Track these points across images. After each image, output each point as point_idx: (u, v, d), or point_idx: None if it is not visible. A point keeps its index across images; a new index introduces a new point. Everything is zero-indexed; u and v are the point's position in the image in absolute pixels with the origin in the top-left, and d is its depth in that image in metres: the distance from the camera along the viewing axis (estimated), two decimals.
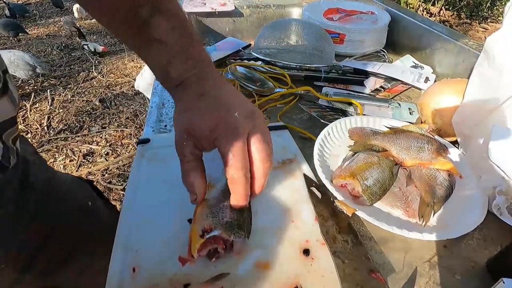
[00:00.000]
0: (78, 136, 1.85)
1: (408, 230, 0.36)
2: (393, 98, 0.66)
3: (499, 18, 3.11)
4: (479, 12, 3.11)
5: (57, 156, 1.72)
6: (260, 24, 0.94)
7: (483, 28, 3.06)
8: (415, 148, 0.46)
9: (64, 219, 0.46)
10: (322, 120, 0.56)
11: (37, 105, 2.10)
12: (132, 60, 2.64)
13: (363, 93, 0.66)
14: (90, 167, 1.65)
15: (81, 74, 2.45)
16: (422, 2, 3.09)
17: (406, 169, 0.45)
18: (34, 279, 0.42)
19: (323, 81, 0.68)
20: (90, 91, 2.25)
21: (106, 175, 1.61)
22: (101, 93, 2.22)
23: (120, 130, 1.89)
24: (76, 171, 1.62)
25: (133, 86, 2.23)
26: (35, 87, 2.25)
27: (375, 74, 0.69)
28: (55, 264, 0.46)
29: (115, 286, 0.30)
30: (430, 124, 0.51)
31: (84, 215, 0.50)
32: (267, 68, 0.69)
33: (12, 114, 0.35)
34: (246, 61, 0.72)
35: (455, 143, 0.51)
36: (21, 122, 1.94)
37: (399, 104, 0.62)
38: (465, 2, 3.11)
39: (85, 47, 2.66)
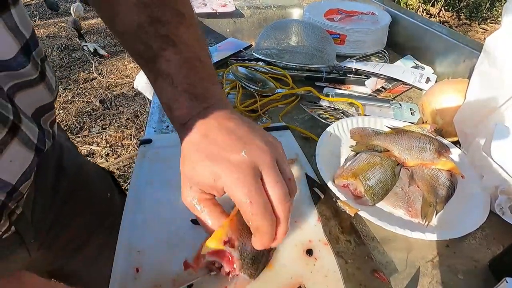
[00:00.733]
0: (79, 137, 1.85)
1: (410, 230, 0.36)
2: (394, 98, 0.66)
3: (498, 19, 3.12)
4: (479, 13, 3.12)
5: None
6: (261, 25, 0.94)
7: (483, 29, 3.07)
8: (417, 148, 0.46)
9: (86, 207, 0.48)
10: (323, 121, 0.56)
11: None
12: (132, 61, 2.64)
13: (364, 93, 0.66)
14: None
15: (81, 75, 2.45)
16: (422, 3, 3.10)
17: (408, 169, 0.45)
18: (48, 260, 0.44)
19: (324, 82, 0.68)
20: (91, 92, 2.25)
21: None
22: (101, 94, 2.22)
23: (121, 131, 1.89)
24: None
25: (133, 87, 2.23)
26: None
27: (376, 75, 0.69)
28: (70, 251, 0.47)
29: (118, 286, 0.30)
30: (432, 124, 0.51)
31: (102, 206, 0.51)
32: (268, 68, 0.69)
33: (49, 100, 0.36)
34: (247, 61, 0.72)
35: (456, 143, 0.51)
36: None
37: (400, 105, 0.62)
38: (464, 3, 3.12)
39: (85, 48, 2.66)
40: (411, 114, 0.60)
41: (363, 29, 0.79)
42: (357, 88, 0.68)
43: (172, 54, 0.30)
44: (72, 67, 2.58)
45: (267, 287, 0.31)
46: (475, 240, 0.38)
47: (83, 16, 3.34)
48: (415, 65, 0.75)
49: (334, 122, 0.52)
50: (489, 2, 3.09)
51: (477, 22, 3.15)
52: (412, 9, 2.99)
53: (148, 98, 2.04)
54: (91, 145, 1.81)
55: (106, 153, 1.74)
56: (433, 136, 0.49)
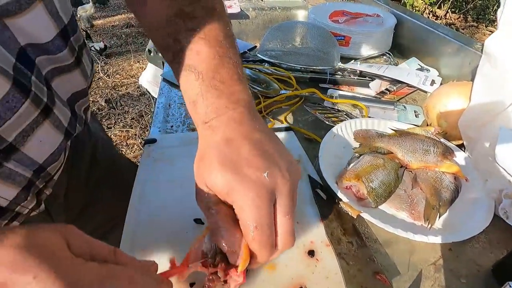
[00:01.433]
0: None
1: (413, 232, 0.36)
2: (399, 100, 0.66)
3: None
4: (486, 15, 3.08)
5: None
6: (265, 26, 0.94)
7: (490, 31, 3.04)
8: (421, 151, 0.45)
9: (113, 197, 0.48)
10: (327, 122, 0.57)
11: None
12: (138, 61, 2.66)
13: (368, 95, 0.66)
14: None
15: None
16: (428, 4, 3.08)
17: (411, 171, 0.45)
18: None
19: (328, 83, 0.68)
20: (96, 91, 2.28)
21: None
22: (107, 94, 2.24)
23: (126, 131, 1.90)
24: None
25: (138, 87, 2.25)
26: None
27: (381, 77, 0.69)
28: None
29: None
30: (436, 126, 0.51)
31: (128, 198, 0.53)
32: (272, 70, 0.69)
33: (83, 86, 0.37)
34: (251, 63, 0.72)
35: (461, 146, 0.51)
36: None
37: (405, 107, 0.62)
38: (471, 5, 3.09)
39: (92, 48, 2.69)
40: (416, 116, 0.60)
41: (368, 31, 0.79)
42: (361, 90, 0.68)
43: (201, 48, 0.29)
44: None
45: (269, 287, 0.31)
46: (478, 244, 0.38)
47: (92, 16, 3.37)
48: (420, 67, 0.75)
49: (338, 123, 0.52)
50: (496, 4, 3.06)
51: (484, 24, 3.12)
52: (418, 11, 2.97)
53: (153, 98, 2.06)
54: None
55: None
56: (437, 139, 0.48)
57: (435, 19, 3.02)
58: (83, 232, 0.20)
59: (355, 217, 0.38)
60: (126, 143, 1.82)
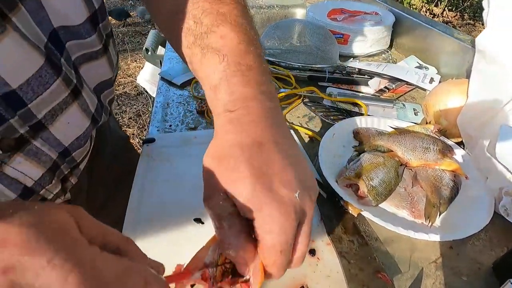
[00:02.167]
0: None
1: (414, 230, 0.36)
2: (398, 98, 0.66)
3: None
4: (483, 13, 3.09)
5: None
6: (263, 24, 0.94)
7: None
8: (421, 149, 0.45)
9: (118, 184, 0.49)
10: (326, 120, 0.56)
11: None
12: (135, 61, 2.65)
13: (367, 93, 0.66)
14: None
15: None
16: (425, 3, 3.08)
17: (411, 169, 0.45)
18: None
19: (327, 82, 0.68)
20: None
21: None
22: None
23: (123, 130, 1.90)
24: None
25: (135, 86, 2.24)
26: None
27: (380, 75, 0.69)
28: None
29: None
30: (436, 124, 0.51)
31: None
32: (271, 68, 0.69)
33: (109, 76, 0.38)
34: None
35: (460, 143, 0.51)
36: None
37: (404, 105, 0.62)
38: (468, 3, 3.10)
39: None
40: (415, 114, 0.60)
41: (366, 29, 0.79)
42: (360, 88, 0.68)
43: (228, 31, 0.27)
44: None
45: (270, 287, 0.30)
46: (479, 242, 0.38)
47: None
48: (419, 65, 0.75)
49: (337, 122, 0.52)
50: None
51: (481, 22, 3.13)
52: (416, 9, 2.97)
53: (150, 97, 2.05)
54: None
55: None
56: (437, 137, 0.48)
57: (432, 17, 3.03)
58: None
59: (356, 216, 0.38)
60: None
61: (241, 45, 0.27)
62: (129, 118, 2.01)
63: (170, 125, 0.54)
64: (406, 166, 0.45)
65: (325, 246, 0.34)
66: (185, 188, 0.40)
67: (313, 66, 0.71)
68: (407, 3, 2.92)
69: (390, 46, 0.85)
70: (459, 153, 0.48)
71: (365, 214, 0.38)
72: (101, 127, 0.39)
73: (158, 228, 0.35)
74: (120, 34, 3.02)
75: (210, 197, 0.24)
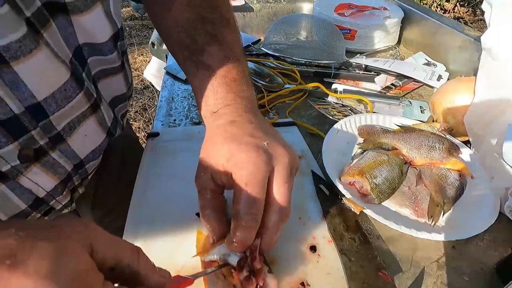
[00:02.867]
0: None
1: (416, 229, 0.36)
2: (404, 96, 0.65)
3: None
4: (484, 15, 3.01)
5: None
6: (270, 19, 0.93)
7: None
8: (426, 147, 0.45)
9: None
10: (331, 117, 0.56)
11: None
12: (142, 54, 2.65)
13: (373, 90, 0.65)
14: None
15: None
16: None
17: (416, 168, 0.45)
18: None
19: (332, 78, 0.67)
20: None
21: None
22: None
23: (131, 125, 1.91)
24: None
25: (142, 80, 2.25)
26: None
27: (386, 71, 0.68)
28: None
29: None
30: (442, 123, 0.50)
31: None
32: (276, 63, 0.69)
33: (124, 91, 0.40)
34: (255, 56, 0.72)
35: (467, 142, 0.50)
36: None
37: (410, 102, 0.61)
38: None
39: None
40: (421, 112, 0.59)
41: (374, 24, 0.77)
42: (366, 84, 0.67)
43: (216, 50, 0.33)
44: None
45: None
46: (482, 242, 0.38)
47: None
48: (427, 62, 0.74)
49: (342, 119, 0.52)
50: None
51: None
52: (426, 4, 2.91)
53: (156, 91, 2.05)
54: None
55: None
56: (443, 135, 0.48)
57: (443, 13, 2.96)
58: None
59: (358, 213, 0.38)
60: None
61: (228, 62, 0.32)
62: (135, 112, 2.02)
63: (175, 120, 0.54)
64: (410, 164, 0.45)
65: (326, 243, 0.34)
66: (188, 182, 0.40)
67: (319, 62, 0.70)
68: None
69: (398, 42, 0.83)
70: (465, 152, 0.47)
71: (368, 212, 0.38)
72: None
73: (161, 221, 0.36)
74: (127, 28, 3.03)
75: (198, 177, 0.29)
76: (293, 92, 0.62)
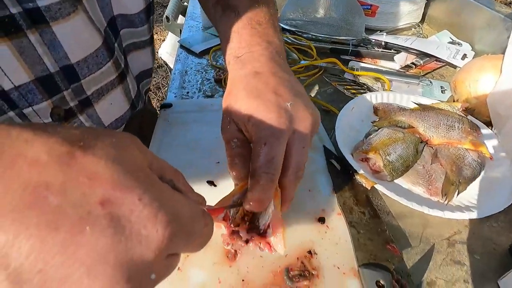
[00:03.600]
0: None
1: (429, 207, 0.35)
2: (425, 75, 0.62)
3: None
4: None
5: None
6: None
7: None
8: (445, 126, 0.43)
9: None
10: (346, 93, 0.54)
11: None
12: (156, 33, 2.64)
13: (392, 69, 0.63)
14: None
15: None
16: None
17: (432, 147, 0.43)
18: None
19: (350, 55, 0.65)
20: None
21: None
22: None
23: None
24: None
25: (156, 59, 2.25)
26: None
27: (407, 49, 0.65)
28: None
29: None
30: (463, 103, 0.48)
31: None
32: (292, 39, 0.67)
33: (150, 66, 0.41)
34: None
35: (489, 124, 0.48)
36: None
37: (431, 82, 0.59)
38: None
39: None
40: (442, 92, 0.57)
41: (396, 0, 0.73)
42: (385, 63, 0.65)
43: None
44: None
45: None
46: (497, 223, 0.37)
47: None
48: (451, 40, 0.70)
49: (358, 96, 0.50)
50: None
51: None
52: None
53: (170, 70, 2.05)
54: None
55: None
56: (463, 115, 0.46)
57: None
58: None
59: (369, 189, 0.37)
60: None
61: (255, 4, 0.31)
62: (149, 91, 2.04)
63: (188, 92, 0.54)
64: (427, 143, 0.43)
65: (335, 215, 0.34)
66: (200, 152, 0.41)
67: (337, 37, 0.68)
68: None
69: (422, 20, 0.79)
70: (485, 133, 0.45)
71: (379, 187, 0.37)
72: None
73: None
74: None
75: (223, 128, 0.28)
76: (308, 69, 0.60)
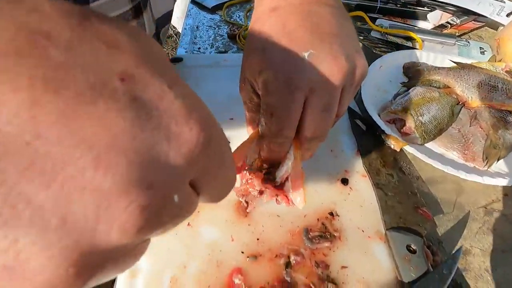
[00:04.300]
0: None
1: (465, 172, 0.32)
2: (461, 36, 0.56)
3: None
4: None
5: None
6: None
7: None
8: (487, 87, 0.38)
9: None
10: (374, 51, 0.49)
11: None
12: None
13: (424, 28, 0.56)
14: None
15: None
16: None
17: (470, 109, 0.39)
18: None
19: (377, 13, 0.59)
20: None
21: None
22: None
23: None
24: None
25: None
26: None
27: (443, 6, 0.58)
28: None
29: None
30: (508, 63, 0.43)
31: None
32: None
33: (170, 8, 0.37)
34: None
35: None
36: None
37: (468, 42, 0.53)
38: None
39: None
40: (481, 53, 0.51)
41: None
42: (417, 23, 0.58)
43: None
44: None
45: (295, 210, 0.29)
46: None
47: None
48: None
49: (386, 54, 0.45)
50: None
51: None
52: None
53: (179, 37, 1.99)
54: None
55: None
56: (507, 76, 0.41)
57: None
58: None
59: (398, 150, 0.34)
60: None
61: None
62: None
63: (199, 48, 0.50)
64: (464, 105, 0.39)
65: (359, 177, 0.31)
66: (212, 109, 0.37)
67: None
68: None
69: None
70: None
71: (410, 149, 0.33)
72: None
73: None
74: None
75: (240, 87, 0.24)
76: None
